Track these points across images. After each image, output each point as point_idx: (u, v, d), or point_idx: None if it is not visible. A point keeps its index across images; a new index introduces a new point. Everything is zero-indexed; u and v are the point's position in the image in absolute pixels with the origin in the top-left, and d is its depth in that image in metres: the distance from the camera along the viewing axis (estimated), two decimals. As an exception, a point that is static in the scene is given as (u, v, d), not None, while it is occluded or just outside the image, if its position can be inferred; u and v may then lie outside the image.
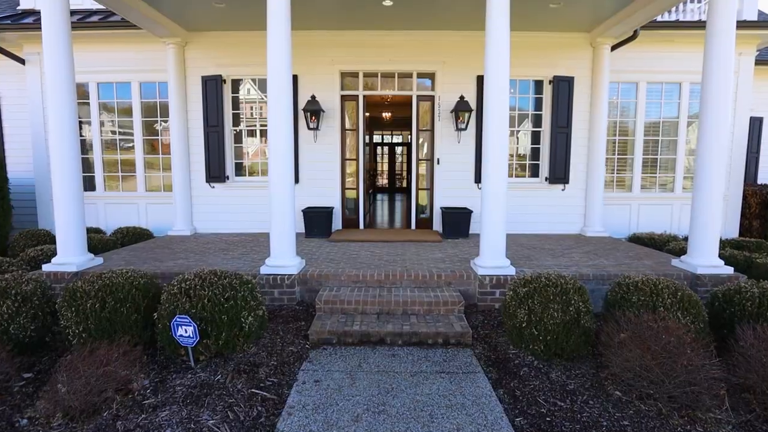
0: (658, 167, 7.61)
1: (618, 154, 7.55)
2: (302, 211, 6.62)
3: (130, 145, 7.53)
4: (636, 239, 6.84)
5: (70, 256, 4.47)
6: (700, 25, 6.86)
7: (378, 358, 3.33)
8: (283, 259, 4.42)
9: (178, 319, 2.96)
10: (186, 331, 2.95)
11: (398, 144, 18.51)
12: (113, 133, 7.55)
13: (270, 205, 4.39)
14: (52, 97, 4.34)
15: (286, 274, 4.35)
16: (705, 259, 4.42)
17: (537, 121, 7.24)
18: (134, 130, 7.46)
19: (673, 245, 6.07)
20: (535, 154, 7.32)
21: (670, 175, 7.60)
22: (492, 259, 4.40)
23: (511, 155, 7.30)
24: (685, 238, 6.77)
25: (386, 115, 12.52)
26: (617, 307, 3.40)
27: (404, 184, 18.36)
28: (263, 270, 4.41)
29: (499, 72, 4.29)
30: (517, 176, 7.37)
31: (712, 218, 4.40)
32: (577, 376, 3.03)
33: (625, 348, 2.78)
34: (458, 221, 6.59)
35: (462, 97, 6.66)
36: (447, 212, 6.64)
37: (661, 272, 4.48)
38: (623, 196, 7.57)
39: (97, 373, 2.55)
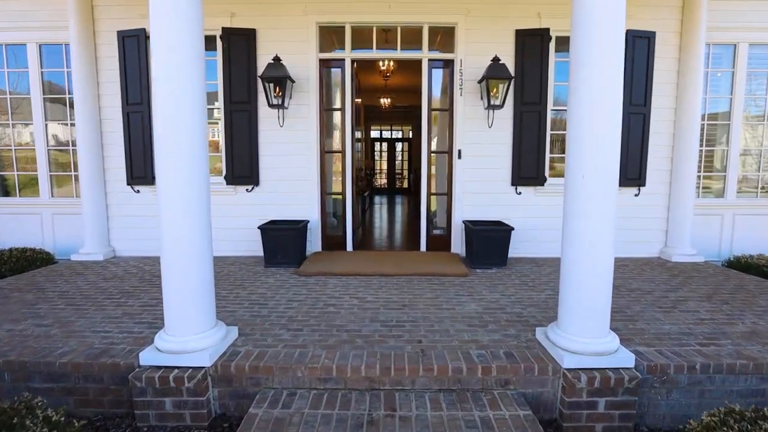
0: (760, 164, 5.51)
1: (706, 146, 5.45)
2: (260, 228, 4.48)
3: (29, 132, 5.41)
4: (746, 266, 4.71)
5: None
6: None
7: None
8: (187, 333, 2.29)
9: None
10: None
11: (399, 140, 16.40)
12: (2, 114, 5.42)
13: (159, 229, 2.28)
14: None
15: (189, 367, 2.23)
16: None
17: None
18: (33, 112, 5.33)
19: (822, 280, 3.98)
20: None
21: (777, 174, 5.51)
22: (588, 335, 2.28)
23: (554, 143, 5.18)
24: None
25: (384, 101, 10.40)
26: None
27: (405, 185, 16.32)
28: (145, 358, 2.28)
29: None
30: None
31: None
32: None
33: None
34: (492, 242, 4.46)
35: (496, 59, 4.52)
36: (474, 229, 4.49)
37: None
38: (711, 203, 5.44)
39: None
